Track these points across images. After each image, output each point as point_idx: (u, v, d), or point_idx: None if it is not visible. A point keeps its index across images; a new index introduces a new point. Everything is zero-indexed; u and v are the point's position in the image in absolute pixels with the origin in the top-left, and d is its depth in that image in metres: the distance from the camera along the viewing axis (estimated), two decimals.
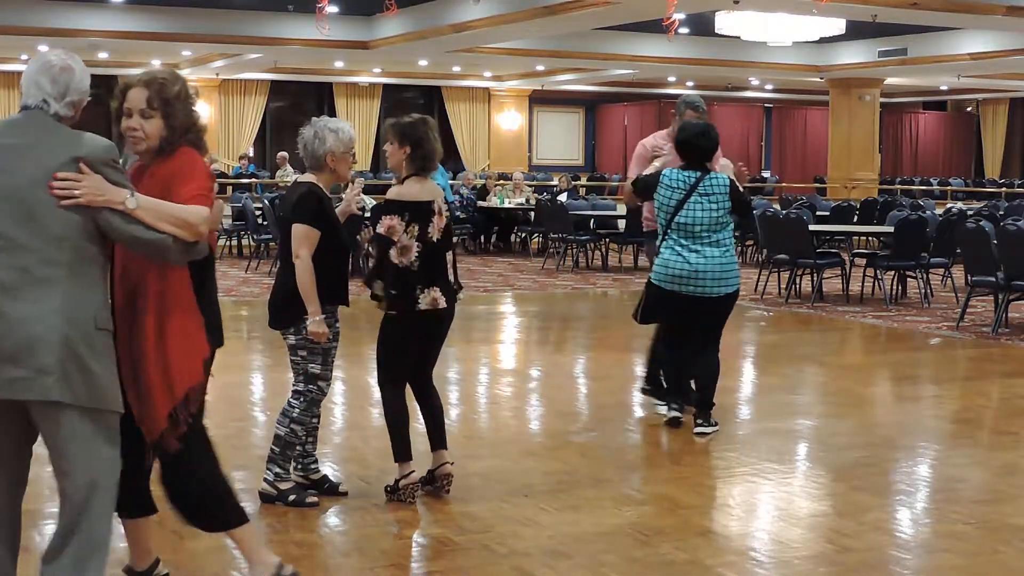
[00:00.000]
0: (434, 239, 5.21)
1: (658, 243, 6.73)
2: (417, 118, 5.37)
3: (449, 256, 5.34)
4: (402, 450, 5.28)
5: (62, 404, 3.31)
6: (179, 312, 3.60)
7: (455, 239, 5.73)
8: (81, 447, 3.39)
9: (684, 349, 6.79)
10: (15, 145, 3.36)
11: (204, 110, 27.56)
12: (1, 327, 3.26)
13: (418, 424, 5.45)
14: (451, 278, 5.33)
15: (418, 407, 5.45)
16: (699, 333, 6.75)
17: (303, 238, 4.98)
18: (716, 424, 6.74)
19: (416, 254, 5.16)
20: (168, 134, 3.65)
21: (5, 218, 3.29)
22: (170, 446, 3.65)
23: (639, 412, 7.52)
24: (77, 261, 3.34)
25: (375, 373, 8.81)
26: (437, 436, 5.39)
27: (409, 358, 5.34)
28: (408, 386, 5.40)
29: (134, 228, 3.38)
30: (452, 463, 5.38)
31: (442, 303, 5.23)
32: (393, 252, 5.15)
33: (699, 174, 6.59)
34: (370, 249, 5.27)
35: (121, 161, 3.50)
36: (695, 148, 6.64)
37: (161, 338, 3.57)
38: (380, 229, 5.15)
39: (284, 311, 5.08)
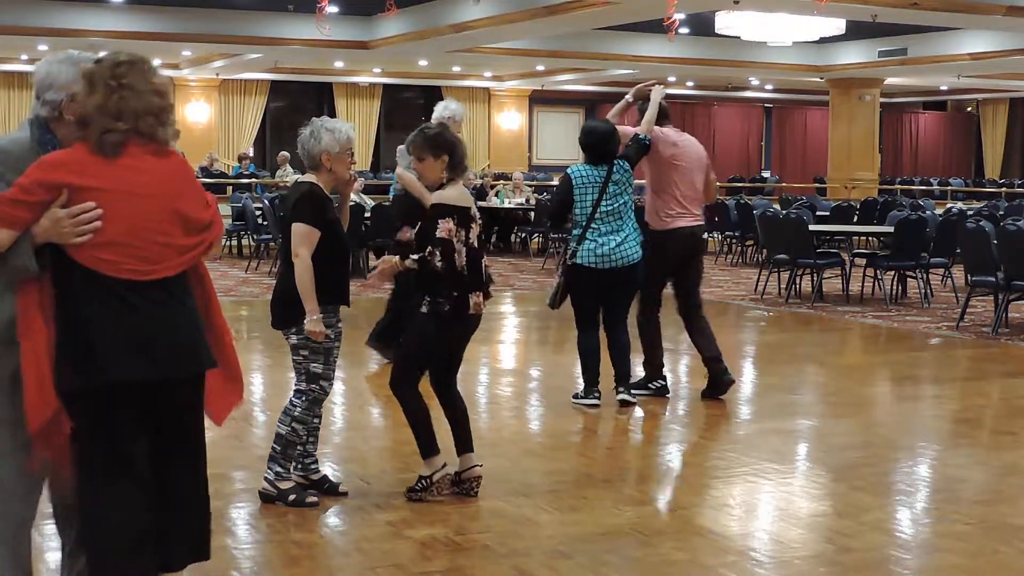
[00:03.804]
0: (475, 244, 5.22)
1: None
2: (438, 125, 5.40)
3: (485, 261, 5.36)
4: (430, 446, 5.28)
5: None
6: (22, 334, 3.28)
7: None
8: None
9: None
10: None
11: (204, 110, 27.61)
12: None
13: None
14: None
15: (442, 410, 5.45)
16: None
17: (303, 237, 4.98)
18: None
19: (465, 258, 5.17)
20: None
21: None
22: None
23: (639, 412, 7.51)
24: None
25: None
26: (465, 439, 5.38)
27: (435, 360, 5.36)
28: (432, 389, 5.43)
29: None
30: (481, 465, 5.38)
31: (482, 307, 5.27)
32: (457, 257, 5.14)
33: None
34: (435, 258, 5.14)
35: None
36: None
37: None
38: (442, 234, 5.09)
39: (286, 311, 5.08)
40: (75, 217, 3.18)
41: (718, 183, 7.82)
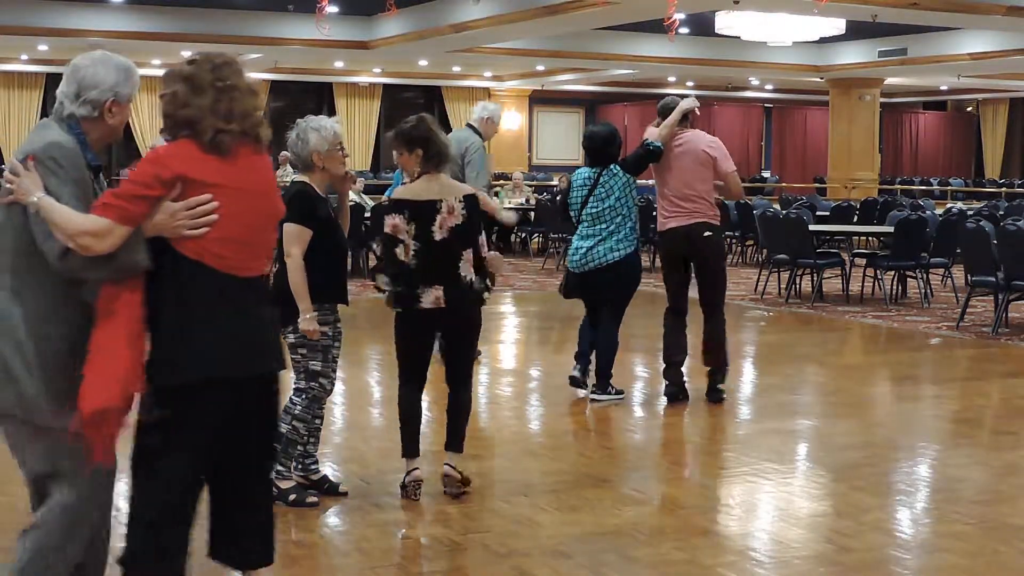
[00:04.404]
0: (436, 238, 5.18)
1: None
2: (415, 118, 5.37)
3: (466, 255, 5.26)
4: (404, 447, 5.32)
5: None
6: (102, 328, 3.21)
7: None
8: (22, 455, 3.28)
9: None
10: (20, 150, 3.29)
11: None
12: None
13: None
14: (466, 278, 5.25)
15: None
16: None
17: (294, 237, 5.00)
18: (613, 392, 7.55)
19: (414, 252, 5.17)
20: (163, 122, 3.42)
21: None
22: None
23: (639, 412, 7.52)
24: (20, 264, 3.21)
25: (375, 373, 8.85)
26: (448, 436, 5.40)
27: (419, 356, 5.36)
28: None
29: (39, 233, 3.17)
30: (451, 465, 5.36)
31: (444, 302, 5.20)
32: (399, 250, 5.19)
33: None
34: (374, 248, 5.30)
35: None
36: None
37: (91, 353, 3.22)
38: (387, 228, 5.21)
39: (282, 310, 5.08)
40: (191, 210, 3.18)
41: None
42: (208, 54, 3.36)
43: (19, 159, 3.20)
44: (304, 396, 5.17)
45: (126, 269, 3.18)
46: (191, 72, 3.28)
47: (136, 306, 3.21)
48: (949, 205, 20.05)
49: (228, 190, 3.24)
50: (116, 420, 3.20)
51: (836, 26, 18.47)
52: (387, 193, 16.35)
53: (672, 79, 28.70)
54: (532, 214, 18.81)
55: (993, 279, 10.80)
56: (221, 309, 3.26)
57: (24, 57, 24.37)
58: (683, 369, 7.60)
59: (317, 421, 5.29)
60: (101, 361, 3.17)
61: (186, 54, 3.51)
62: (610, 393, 7.47)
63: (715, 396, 7.54)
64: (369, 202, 16.09)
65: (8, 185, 3.17)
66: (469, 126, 8.92)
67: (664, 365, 7.58)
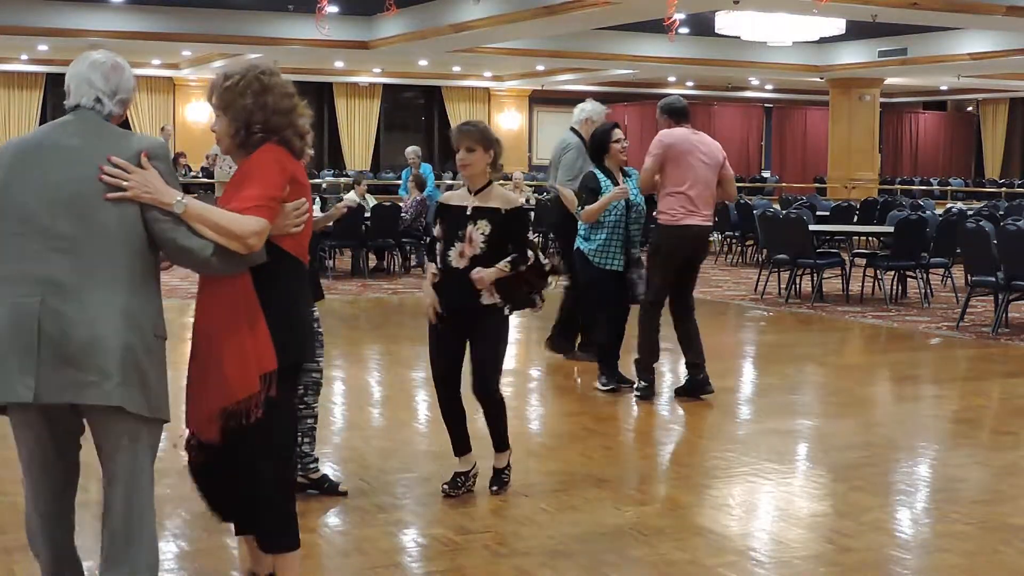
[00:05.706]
0: None
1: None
2: (482, 123, 5.33)
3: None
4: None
5: (120, 410, 3.19)
6: (233, 320, 3.45)
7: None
8: (130, 454, 3.29)
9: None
10: (75, 146, 3.25)
11: (204, 110, 27.61)
12: (63, 328, 3.14)
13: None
14: None
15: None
16: None
17: None
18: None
19: None
20: (233, 131, 3.53)
21: (68, 219, 3.18)
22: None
23: (639, 412, 7.51)
24: (137, 264, 3.23)
25: (375, 373, 8.83)
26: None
27: None
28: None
29: (178, 233, 3.25)
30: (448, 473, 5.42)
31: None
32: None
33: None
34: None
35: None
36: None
37: (212, 344, 3.47)
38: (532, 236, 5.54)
39: None
40: (298, 210, 3.52)
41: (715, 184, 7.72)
42: (261, 63, 3.65)
43: (129, 156, 3.23)
44: None
45: (251, 264, 3.42)
46: (271, 82, 3.58)
47: (253, 296, 3.46)
48: (949, 205, 20.05)
49: (306, 189, 3.59)
50: (255, 403, 3.47)
51: (836, 26, 18.49)
52: (401, 192, 15.98)
53: (672, 79, 28.71)
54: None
55: (993, 279, 10.80)
56: (306, 298, 3.70)
57: (24, 57, 24.37)
58: (654, 367, 7.71)
59: (309, 420, 5.26)
60: (238, 354, 3.45)
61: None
62: (603, 383, 7.85)
63: (707, 388, 7.57)
64: (372, 201, 16.08)
65: (123, 183, 3.21)
66: (572, 129, 9.03)
67: (635, 364, 7.72)
